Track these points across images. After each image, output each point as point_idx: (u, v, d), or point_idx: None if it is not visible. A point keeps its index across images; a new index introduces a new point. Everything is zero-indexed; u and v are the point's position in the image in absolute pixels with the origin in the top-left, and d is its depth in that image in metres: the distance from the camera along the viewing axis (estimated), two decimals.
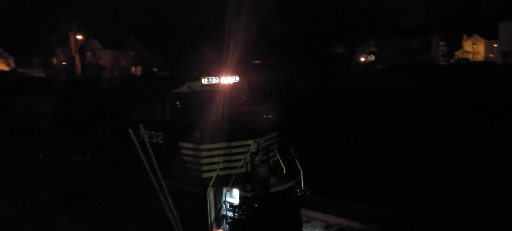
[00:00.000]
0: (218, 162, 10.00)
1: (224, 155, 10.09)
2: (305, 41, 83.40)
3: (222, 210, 10.11)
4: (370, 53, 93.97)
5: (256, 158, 10.23)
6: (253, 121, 10.78)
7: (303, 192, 10.88)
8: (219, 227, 10.14)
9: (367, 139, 23.30)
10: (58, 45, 68.93)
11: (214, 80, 10.83)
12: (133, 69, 73.84)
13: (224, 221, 10.01)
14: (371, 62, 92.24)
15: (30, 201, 13.48)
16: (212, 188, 9.95)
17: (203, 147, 10.00)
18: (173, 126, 10.43)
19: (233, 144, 10.15)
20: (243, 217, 9.61)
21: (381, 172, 16.82)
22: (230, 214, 9.87)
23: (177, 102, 11.18)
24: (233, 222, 9.73)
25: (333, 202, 12.26)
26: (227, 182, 9.94)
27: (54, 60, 69.60)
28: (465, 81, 49.97)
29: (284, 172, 11.07)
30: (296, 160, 10.91)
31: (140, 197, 11.26)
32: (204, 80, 10.81)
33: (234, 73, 11.14)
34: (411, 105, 35.72)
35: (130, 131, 9.42)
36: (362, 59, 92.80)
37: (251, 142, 10.23)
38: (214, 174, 9.89)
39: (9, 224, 12.10)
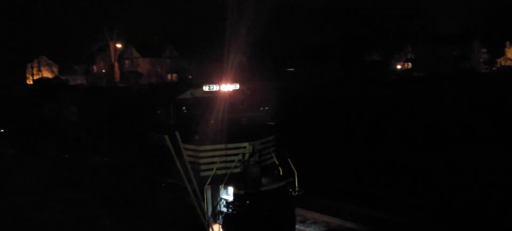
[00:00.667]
0: (215, 162, 11.09)
1: (221, 155, 11.16)
2: (341, 49, 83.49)
3: (218, 206, 11.17)
4: (407, 60, 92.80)
5: (252, 159, 11.25)
6: (250, 125, 11.83)
7: (296, 192, 11.79)
8: (215, 222, 11.21)
9: (390, 146, 23.16)
10: (98, 53, 72.46)
11: (214, 87, 11.95)
12: (169, 76, 76.37)
13: (220, 216, 11.06)
14: (408, 69, 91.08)
15: (76, 205, 14.05)
16: (209, 186, 11.04)
17: (201, 148, 11.12)
18: (176, 129, 11.58)
19: (230, 146, 11.21)
20: (235, 212, 10.65)
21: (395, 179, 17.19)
22: (224, 209, 10.91)
23: (183, 108, 12.39)
24: (226, 217, 10.78)
25: (328, 202, 13.03)
26: (223, 180, 11.01)
27: (95, 68, 73.14)
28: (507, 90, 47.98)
29: (281, 173, 12.04)
30: (290, 161, 11.85)
31: (179, 202, 11.65)
32: (206, 88, 11.95)
33: (234, 81, 12.20)
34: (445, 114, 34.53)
35: (167, 137, 10.46)
36: (399, 66, 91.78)
37: (246, 144, 11.29)
38: (211, 173, 10.99)
39: (58, 229, 12.87)
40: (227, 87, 11.98)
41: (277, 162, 12.12)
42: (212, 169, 11.05)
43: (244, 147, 11.23)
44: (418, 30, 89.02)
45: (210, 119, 11.38)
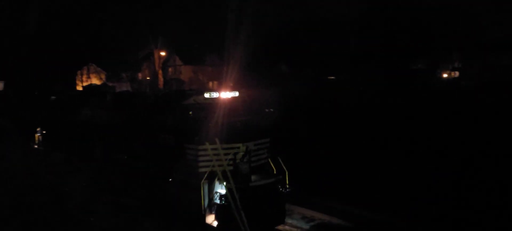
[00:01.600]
0: (212, 160, 12.81)
1: (217, 155, 12.86)
2: (384, 56, 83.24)
3: (213, 199, 12.87)
4: (454, 69, 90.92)
5: (245, 159, 12.91)
6: (245, 128, 13.49)
7: (285, 189, 13.31)
8: (211, 213, 12.91)
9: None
10: (144, 61, 76.40)
11: (214, 95, 13.71)
12: (210, 84, 79.17)
13: (214, 207, 12.77)
14: (455, 78, 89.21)
15: (124, 211, 14.65)
16: (206, 181, 12.77)
17: (200, 147, 12.88)
18: (180, 130, 13.45)
19: (225, 146, 12.91)
20: (225, 204, 12.31)
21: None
22: (217, 201, 12.61)
23: (190, 112, 14.23)
24: (218, 208, 12.47)
25: (316, 200, 14.43)
26: (218, 176, 12.71)
27: (140, 75, 77.11)
28: None
29: (274, 172, 13.61)
30: (280, 161, 13.42)
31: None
32: (207, 95, 13.74)
33: (233, 89, 13.93)
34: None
35: (208, 143, 12.09)
36: (445, 75, 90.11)
37: (240, 145, 12.96)
38: (208, 170, 12.73)
39: None
40: (227, 94, 13.69)
41: (270, 162, 13.68)
42: (208, 166, 12.78)
43: (238, 147, 12.89)
44: (466, 37, 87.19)
45: (209, 122, 13.13)
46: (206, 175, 12.57)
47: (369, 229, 13.11)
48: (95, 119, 18.32)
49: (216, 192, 12.82)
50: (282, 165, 13.33)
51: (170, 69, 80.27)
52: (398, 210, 14.13)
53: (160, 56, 76.09)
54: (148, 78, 76.74)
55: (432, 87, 77.75)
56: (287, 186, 13.28)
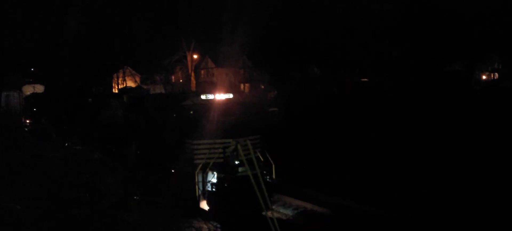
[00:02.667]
0: (205, 153, 15.01)
1: (210, 148, 15.06)
2: (419, 58, 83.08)
3: (206, 187, 15.07)
4: (494, 70, 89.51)
5: (235, 153, 15.02)
6: (236, 126, 15.61)
7: (271, 179, 15.34)
8: (204, 199, 15.11)
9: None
10: (177, 64, 79.86)
11: (210, 96, 15.92)
12: (241, 86, 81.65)
13: (207, 194, 14.96)
14: (495, 80, 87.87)
15: (157, 210, 14.70)
16: (200, 171, 14.98)
17: (195, 142, 15.11)
18: (179, 127, 15.74)
19: (217, 141, 15.08)
20: (215, 190, 14.48)
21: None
22: (209, 188, 14.80)
23: (191, 112, 16.51)
24: (209, 194, 14.66)
25: (299, 189, 16.37)
26: (211, 167, 14.91)
27: (173, 77, 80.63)
28: None
29: (262, 164, 15.67)
30: (268, 155, 15.47)
31: None
32: (203, 97, 15.98)
33: (227, 91, 16.11)
34: None
35: (239, 146, 14.23)
36: (484, 77, 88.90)
37: (230, 140, 15.08)
38: (202, 161, 14.94)
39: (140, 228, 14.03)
40: (221, 96, 15.89)
41: (260, 156, 15.76)
42: (202, 158, 15.01)
43: (229, 142, 15.04)
44: (505, 38, 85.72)
45: (204, 120, 15.36)
46: (200, 166, 14.78)
47: (347, 217, 14.87)
48: (115, 118, 20.92)
49: (209, 181, 14.99)
50: (269, 159, 15.37)
51: (202, 71, 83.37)
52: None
53: (193, 59, 79.40)
54: (181, 80, 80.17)
55: (474, 88, 76.94)
56: (274, 177, 15.29)
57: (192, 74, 79.34)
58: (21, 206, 12.98)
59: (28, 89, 34.78)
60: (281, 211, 15.68)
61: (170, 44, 76.22)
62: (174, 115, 15.91)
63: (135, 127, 19.15)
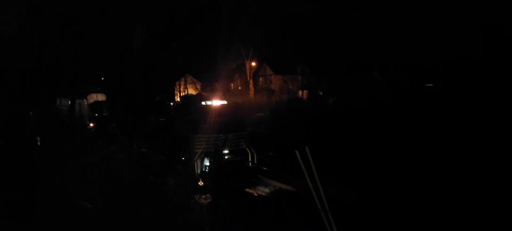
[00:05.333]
0: (202, 144, 21.34)
1: (206, 141, 21.34)
2: (482, 60, 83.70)
3: (203, 169, 21.38)
4: None
5: (224, 144, 21.26)
6: (227, 124, 21.83)
7: (252, 164, 21.38)
8: (200, 179, 21.44)
9: None
10: (236, 71, 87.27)
11: (208, 102, 22.26)
12: (299, 93, 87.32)
13: (202, 174, 21.27)
14: None
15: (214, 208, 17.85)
16: (199, 158, 21.34)
17: (195, 136, 21.47)
18: (184, 127, 22.20)
19: (212, 135, 21.36)
20: (207, 171, 20.81)
21: None
22: (204, 170, 21.11)
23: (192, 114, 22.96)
24: (203, 174, 21.00)
25: (277, 173, 22.04)
26: (206, 155, 21.22)
27: (232, 85, 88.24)
28: None
29: (246, 153, 21.74)
30: (250, 146, 21.52)
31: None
32: (203, 103, 22.34)
33: (222, 98, 22.35)
34: None
35: (297, 152, 19.43)
36: None
37: (221, 135, 21.35)
38: (199, 151, 21.30)
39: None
40: (216, 102, 22.17)
41: (245, 147, 21.87)
42: (200, 148, 21.38)
43: (220, 136, 21.31)
44: None
45: (204, 120, 21.78)
46: (198, 154, 21.10)
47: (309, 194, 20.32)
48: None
49: (205, 165, 21.25)
50: (251, 149, 21.42)
51: (260, 79, 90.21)
52: None
53: (251, 66, 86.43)
54: (239, 88, 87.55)
55: None
56: (255, 163, 21.34)
57: (251, 81, 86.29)
58: (91, 204, 15.73)
59: (92, 97, 43.05)
60: (261, 189, 21.59)
61: (229, 52, 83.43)
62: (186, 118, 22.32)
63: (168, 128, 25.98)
